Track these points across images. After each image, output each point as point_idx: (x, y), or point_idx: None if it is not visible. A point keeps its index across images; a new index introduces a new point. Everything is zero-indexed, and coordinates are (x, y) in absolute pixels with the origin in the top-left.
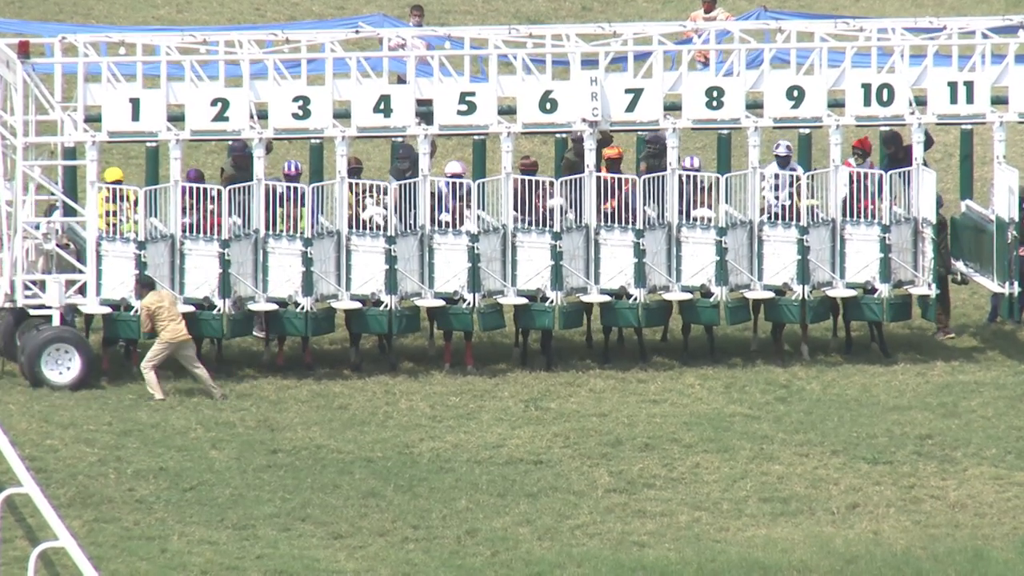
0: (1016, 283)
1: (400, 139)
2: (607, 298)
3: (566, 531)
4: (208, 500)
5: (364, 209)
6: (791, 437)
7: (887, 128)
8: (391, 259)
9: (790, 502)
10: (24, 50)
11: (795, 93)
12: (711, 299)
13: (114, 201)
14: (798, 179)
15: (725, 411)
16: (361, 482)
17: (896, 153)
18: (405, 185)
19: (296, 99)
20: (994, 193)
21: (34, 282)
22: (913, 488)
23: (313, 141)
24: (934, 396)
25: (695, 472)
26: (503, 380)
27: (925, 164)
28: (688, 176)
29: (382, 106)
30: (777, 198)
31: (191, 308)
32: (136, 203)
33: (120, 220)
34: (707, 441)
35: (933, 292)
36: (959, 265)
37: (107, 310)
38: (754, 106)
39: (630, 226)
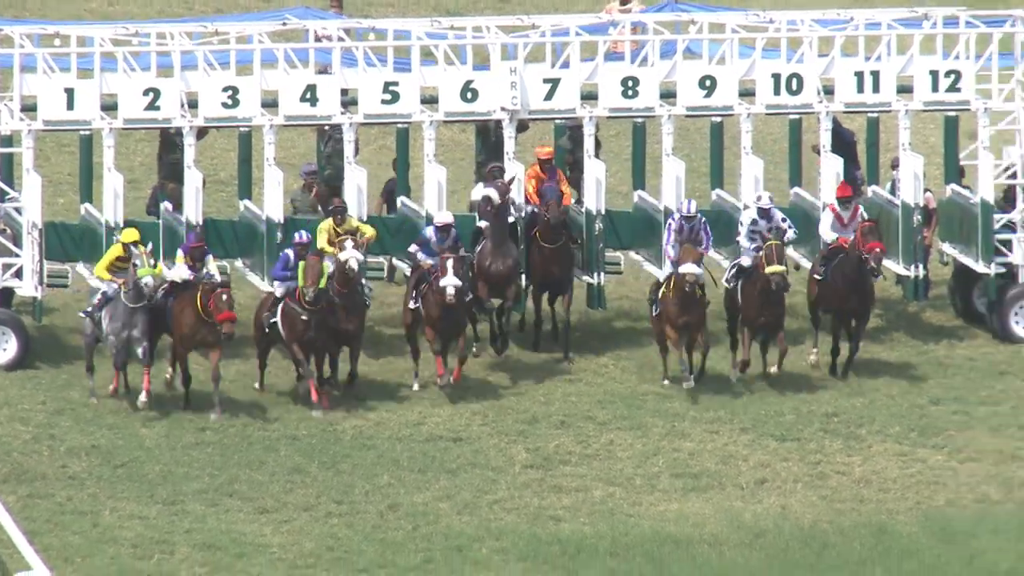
0: (921, 266)
1: (327, 127)
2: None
3: (484, 506)
4: (138, 476)
5: (342, 250)
6: (702, 415)
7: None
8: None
9: (701, 478)
10: None
11: (707, 83)
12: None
13: (126, 258)
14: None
15: (638, 390)
16: (286, 459)
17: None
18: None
19: (225, 89)
20: (899, 179)
21: None
22: (820, 464)
23: (242, 129)
24: (840, 375)
25: (609, 449)
26: (423, 360)
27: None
28: (681, 223)
29: (308, 95)
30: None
31: None
32: (151, 252)
33: (134, 264)
34: (621, 419)
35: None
36: None
37: (40, 294)
38: (668, 95)
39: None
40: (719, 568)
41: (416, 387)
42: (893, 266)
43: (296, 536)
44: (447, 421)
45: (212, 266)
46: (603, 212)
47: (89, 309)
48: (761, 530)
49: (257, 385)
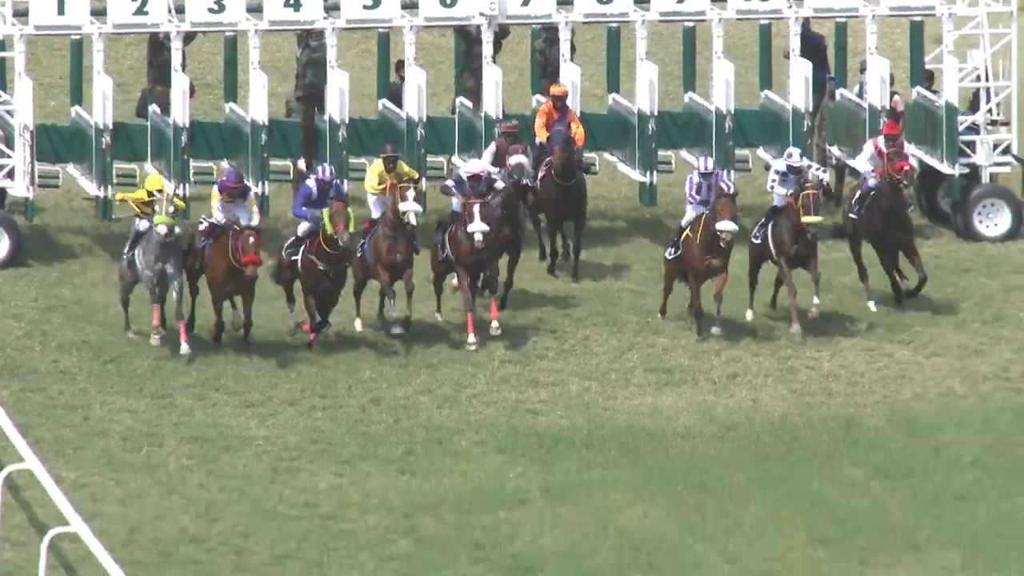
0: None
1: (305, 34)
2: None
3: (464, 400)
4: (128, 371)
5: (403, 199)
6: (675, 310)
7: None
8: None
9: (674, 372)
10: None
11: None
12: None
13: (150, 203)
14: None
15: (613, 287)
16: (272, 354)
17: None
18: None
19: None
20: (867, 82)
21: None
22: (790, 359)
23: (227, 34)
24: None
25: (585, 344)
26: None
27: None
28: (700, 181)
29: (292, 1)
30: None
31: None
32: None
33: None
34: (596, 315)
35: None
36: (834, 150)
37: (32, 194)
38: (642, 1)
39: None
40: (692, 459)
41: (439, 317)
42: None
43: (281, 429)
44: (428, 317)
45: (253, 208)
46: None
47: (125, 251)
48: (732, 423)
49: (292, 322)
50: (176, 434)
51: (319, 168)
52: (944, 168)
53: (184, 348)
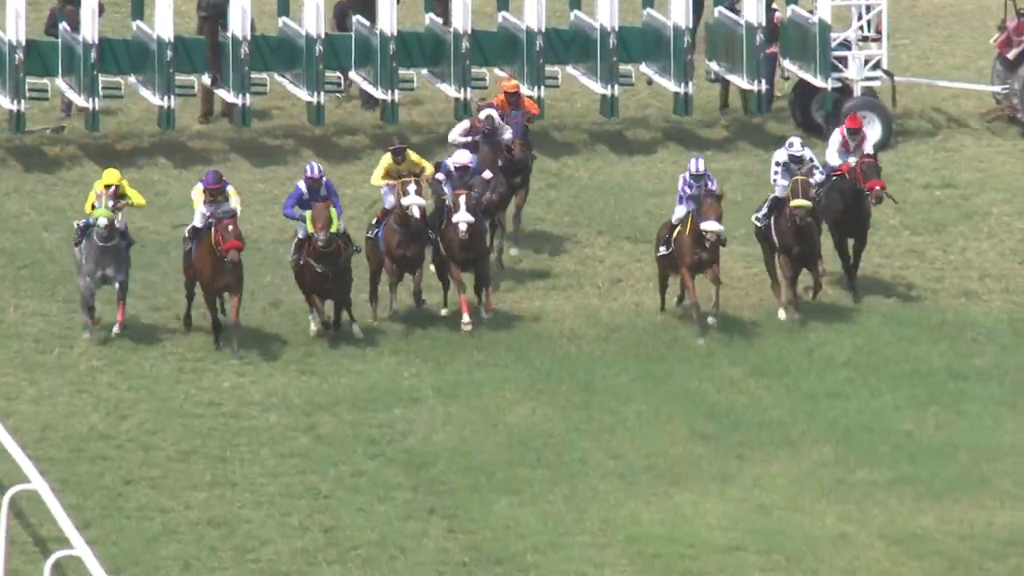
0: (764, 81)
1: None
2: None
3: (361, 303)
4: (40, 277)
5: (405, 194)
6: (561, 219)
7: None
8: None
9: (561, 278)
10: None
11: None
12: None
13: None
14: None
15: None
16: (177, 260)
17: None
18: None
19: None
20: None
21: None
22: None
23: None
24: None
25: None
26: (303, 168)
27: None
28: (693, 182)
29: None
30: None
31: None
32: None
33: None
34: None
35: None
36: (713, 65)
37: None
38: None
39: None
40: (577, 360)
41: (444, 312)
42: (737, 80)
43: (186, 331)
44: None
45: (234, 200)
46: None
47: (76, 240)
48: (616, 325)
49: (313, 327)
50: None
51: (308, 167)
52: (817, 82)
53: (116, 329)
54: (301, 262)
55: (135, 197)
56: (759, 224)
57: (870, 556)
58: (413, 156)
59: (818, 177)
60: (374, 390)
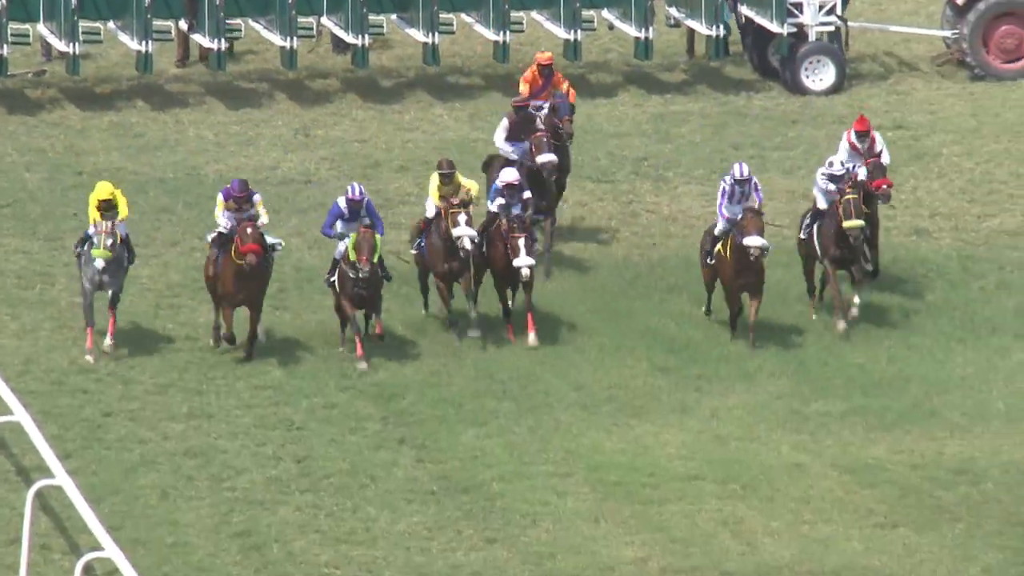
0: (722, 26)
1: None
2: None
3: (332, 241)
4: (22, 215)
5: (456, 225)
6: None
7: None
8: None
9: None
10: None
11: None
12: None
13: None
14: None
15: (469, 137)
16: (155, 199)
17: None
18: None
19: None
20: None
21: None
22: (631, 204)
23: None
24: (650, 124)
25: None
26: (277, 111)
27: None
28: (733, 187)
29: None
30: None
31: None
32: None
33: (91, 241)
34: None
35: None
36: (672, 11)
37: None
38: None
39: None
40: (541, 296)
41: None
42: (696, 26)
43: (163, 268)
44: (298, 166)
45: (260, 209)
46: None
47: (77, 249)
48: (579, 262)
49: (341, 347)
50: (67, 273)
51: (349, 188)
52: (774, 27)
53: (107, 342)
54: (335, 281)
55: (122, 210)
56: (803, 236)
57: (824, 485)
58: (460, 178)
59: (823, 196)
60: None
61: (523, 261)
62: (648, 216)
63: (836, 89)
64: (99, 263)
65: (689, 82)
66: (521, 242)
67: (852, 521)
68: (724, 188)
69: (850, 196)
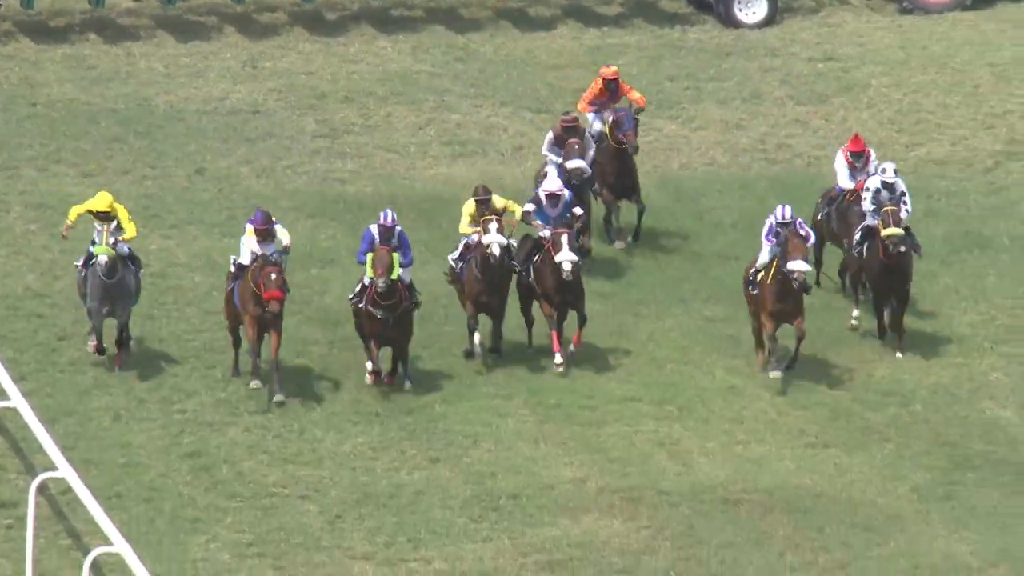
0: None
1: None
2: None
3: (280, 170)
4: None
5: (486, 232)
6: (467, 90)
7: None
8: None
9: (467, 145)
10: None
11: None
12: None
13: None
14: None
15: (412, 69)
16: (107, 129)
17: None
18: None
19: None
20: None
21: None
22: None
23: None
24: (587, 56)
25: (388, 120)
26: (225, 43)
27: None
28: (778, 230)
29: None
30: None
31: None
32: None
33: (93, 240)
34: (397, 95)
35: None
36: None
37: None
38: None
39: None
40: None
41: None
42: None
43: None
44: (247, 96)
45: (283, 238)
46: None
47: (79, 272)
48: (519, 189)
49: (369, 378)
50: (22, 201)
51: (382, 214)
52: None
53: (116, 369)
54: (361, 306)
55: (129, 229)
56: (854, 252)
57: (757, 406)
58: (499, 202)
59: (903, 213)
60: (292, 250)
61: (565, 256)
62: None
63: (768, 22)
64: (103, 259)
65: (625, 15)
66: (564, 238)
67: (784, 441)
68: (771, 224)
69: (889, 207)
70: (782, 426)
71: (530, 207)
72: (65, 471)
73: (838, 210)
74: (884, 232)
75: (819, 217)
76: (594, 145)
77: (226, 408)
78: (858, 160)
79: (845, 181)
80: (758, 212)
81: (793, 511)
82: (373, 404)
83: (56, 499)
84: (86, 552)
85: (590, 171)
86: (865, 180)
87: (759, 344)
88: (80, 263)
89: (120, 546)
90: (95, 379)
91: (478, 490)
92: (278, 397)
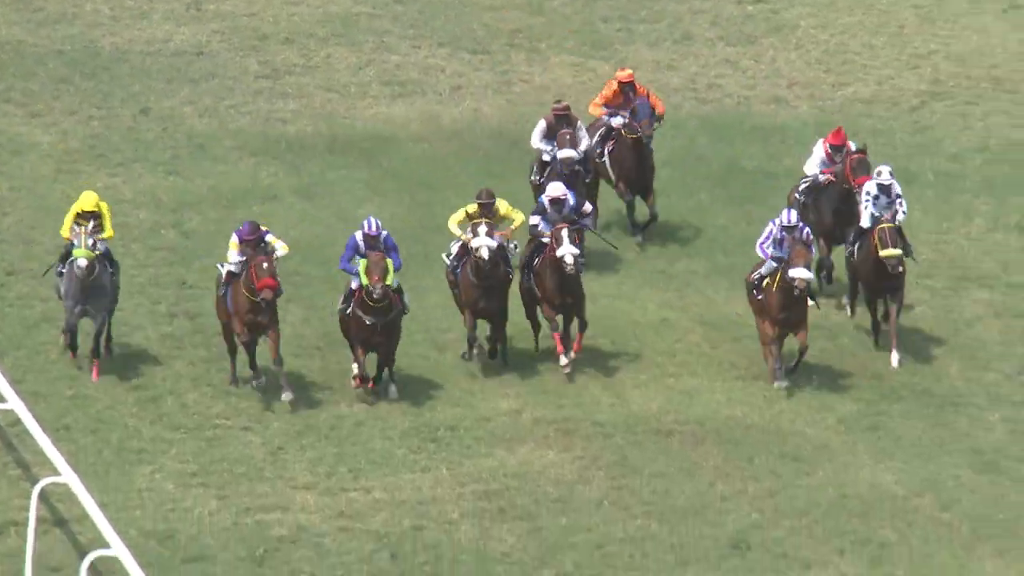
0: None
1: None
2: None
3: (223, 110)
4: None
5: (475, 235)
6: (406, 32)
7: None
8: None
9: (406, 85)
10: None
11: None
12: None
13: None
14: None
15: (352, 11)
16: (54, 71)
17: None
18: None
19: None
20: None
21: None
22: (507, 74)
23: None
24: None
25: (328, 61)
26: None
27: None
28: (782, 234)
29: None
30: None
31: None
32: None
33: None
34: (338, 36)
35: None
36: None
37: None
38: None
39: None
40: (421, 161)
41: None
42: None
43: (63, 136)
44: (190, 38)
45: (276, 244)
46: None
47: (57, 268)
48: (457, 130)
49: (355, 381)
50: None
51: (365, 222)
52: None
53: (94, 376)
54: (349, 312)
55: (107, 229)
56: (846, 253)
57: (690, 339)
58: (503, 209)
59: (900, 217)
60: (235, 189)
61: (566, 249)
62: (522, 86)
63: None
64: (82, 263)
65: None
66: (564, 232)
67: (715, 374)
68: (772, 231)
69: (886, 225)
70: (713, 359)
71: (535, 219)
72: (14, 403)
73: (815, 201)
74: (883, 253)
75: (795, 196)
76: (586, 136)
77: (171, 342)
78: (837, 154)
79: (812, 167)
80: (689, 151)
81: (723, 442)
82: (314, 339)
83: (5, 430)
84: (34, 482)
85: (579, 155)
86: (831, 170)
87: (768, 350)
88: (58, 264)
89: (67, 476)
90: (43, 313)
91: (417, 422)
92: (286, 395)
